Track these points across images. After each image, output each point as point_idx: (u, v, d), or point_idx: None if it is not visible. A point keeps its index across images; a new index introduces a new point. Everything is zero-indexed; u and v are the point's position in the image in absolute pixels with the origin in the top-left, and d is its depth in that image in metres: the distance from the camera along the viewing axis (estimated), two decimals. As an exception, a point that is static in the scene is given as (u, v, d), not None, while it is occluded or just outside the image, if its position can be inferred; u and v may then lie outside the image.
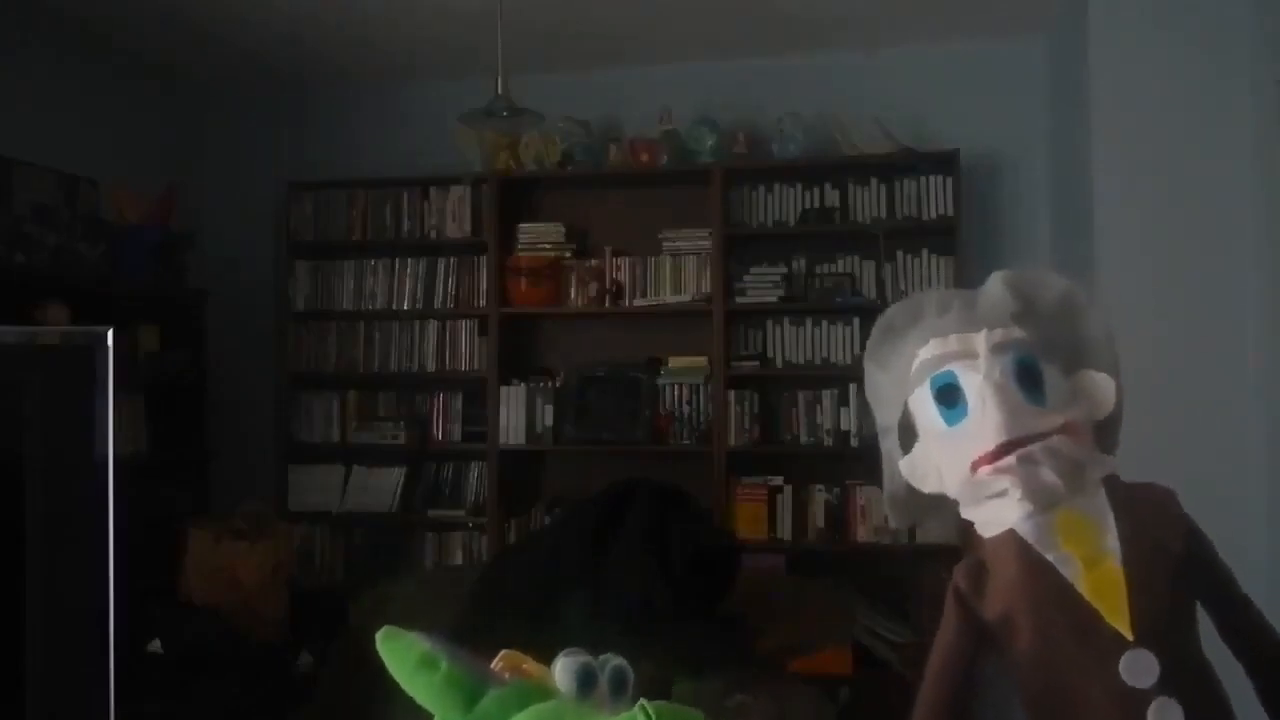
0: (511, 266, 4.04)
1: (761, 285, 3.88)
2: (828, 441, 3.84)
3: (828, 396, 3.85)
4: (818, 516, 3.83)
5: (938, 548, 3.71)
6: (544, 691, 1.02)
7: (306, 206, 4.25)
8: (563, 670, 1.03)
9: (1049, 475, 1.34)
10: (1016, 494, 1.35)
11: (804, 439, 3.87)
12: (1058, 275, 1.56)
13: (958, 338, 1.44)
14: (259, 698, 3.02)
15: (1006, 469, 1.35)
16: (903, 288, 3.81)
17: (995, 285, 1.52)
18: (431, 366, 4.17)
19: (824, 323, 3.88)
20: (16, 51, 3.58)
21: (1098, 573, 1.32)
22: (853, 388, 3.82)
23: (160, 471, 3.76)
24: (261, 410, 4.39)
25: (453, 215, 4.15)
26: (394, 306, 4.20)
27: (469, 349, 4.14)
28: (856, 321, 3.86)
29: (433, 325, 4.18)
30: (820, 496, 3.84)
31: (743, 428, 3.88)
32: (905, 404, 1.50)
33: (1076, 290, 1.53)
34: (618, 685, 1.05)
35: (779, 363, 3.91)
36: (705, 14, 3.69)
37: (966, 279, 3.73)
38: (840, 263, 3.90)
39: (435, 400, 4.22)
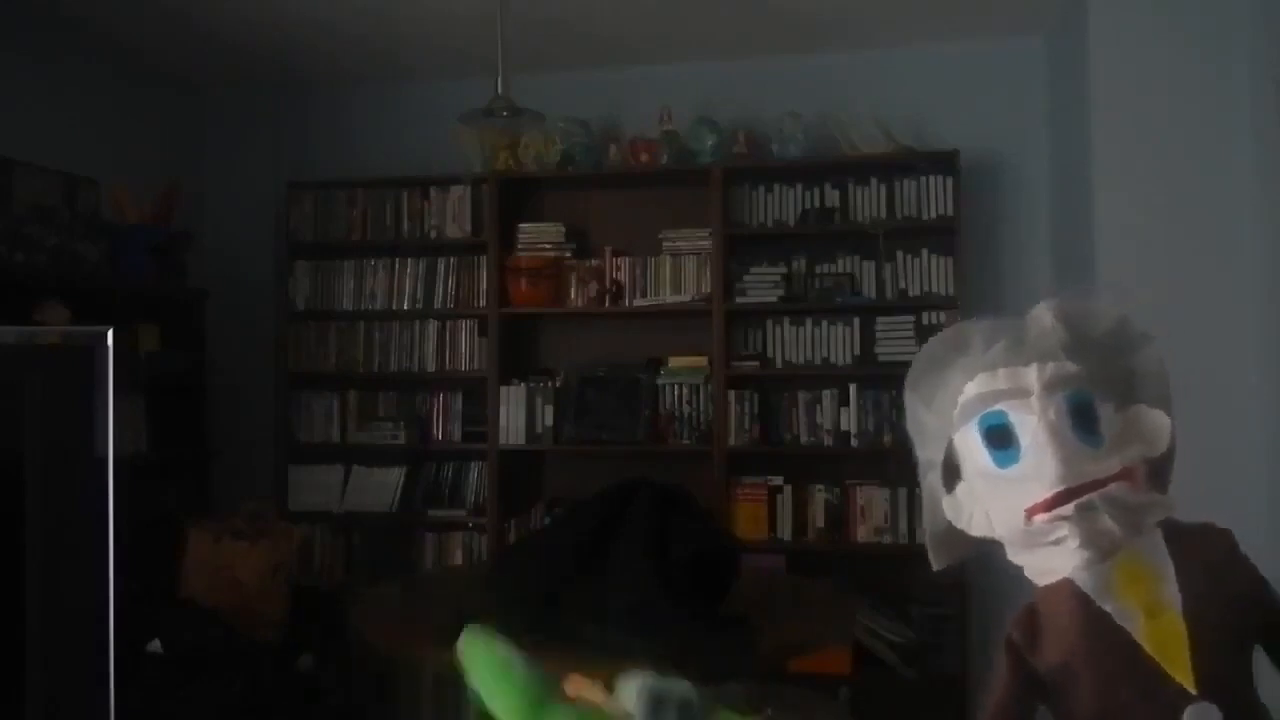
0: (511, 266, 4.04)
1: (761, 285, 3.88)
2: (828, 441, 3.84)
3: (828, 396, 3.85)
4: (818, 516, 3.83)
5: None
6: (606, 715, 1.01)
7: (306, 206, 4.25)
8: (635, 695, 1.02)
9: (1108, 524, 1.29)
10: (1074, 543, 1.30)
11: (804, 439, 3.87)
12: (1108, 304, 1.47)
13: (1007, 373, 1.36)
14: (259, 698, 3.02)
15: (1066, 518, 1.29)
16: (902, 287, 3.82)
17: (1043, 315, 1.42)
18: (431, 366, 4.17)
19: (824, 323, 3.88)
20: (17, 51, 3.58)
21: (1159, 624, 1.27)
22: (853, 388, 3.82)
23: (160, 471, 3.76)
24: (261, 410, 4.39)
25: (453, 215, 4.15)
26: (394, 306, 4.20)
27: (469, 349, 4.14)
28: (856, 321, 3.85)
29: (433, 325, 4.18)
30: (820, 496, 3.84)
31: (743, 428, 3.88)
32: (950, 440, 1.43)
33: (1130, 320, 1.45)
34: (685, 714, 1.04)
35: (779, 363, 3.91)
36: (705, 14, 3.69)
37: (966, 279, 3.74)
38: (840, 263, 3.90)
39: (435, 400, 4.22)
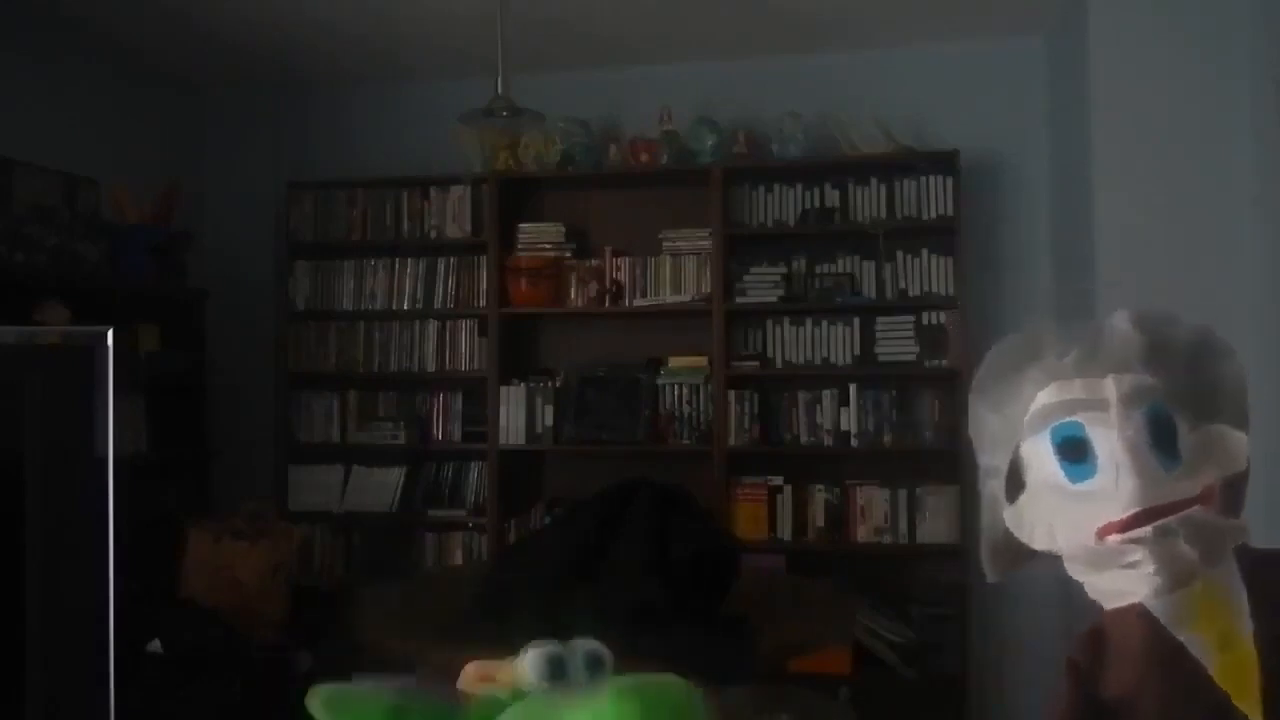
0: (511, 266, 4.04)
1: (761, 285, 3.88)
2: (828, 441, 3.84)
3: (828, 396, 3.85)
4: (818, 516, 3.83)
5: (937, 547, 3.72)
6: (513, 695, 1.00)
7: (306, 206, 4.25)
8: (529, 664, 1.01)
9: (1186, 549, 1.23)
10: (1149, 568, 1.24)
11: (804, 439, 3.87)
12: (1185, 317, 1.41)
13: (1083, 383, 1.30)
14: (259, 698, 3.02)
15: (1141, 540, 1.23)
16: (902, 287, 3.81)
17: (1122, 323, 1.35)
18: (431, 366, 4.17)
19: (824, 323, 3.88)
20: (17, 51, 3.58)
21: (1231, 656, 1.23)
22: (853, 388, 3.82)
23: (160, 471, 3.76)
24: (261, 410, 4.39)
25: (453, 215, 4.15)
26: (394, 306, 4.20)
27: (469, 349, 4.14)
28: (856, 321, 3.85)
29: (433, 325, 4.18)
30: (820, 496, 3.84)
31: (743, 428, 3.87)
32: (1017, 449, 1.37)
33: (1213, 332, 1.40)
34: (594, 667, 1.03)
35: (779, 363, 3.91)
36: (705, 14, 3.69)
37: (966, 279, 3.74)
38: (840, 263, 3.90)
39: (435, 400, 4.22)
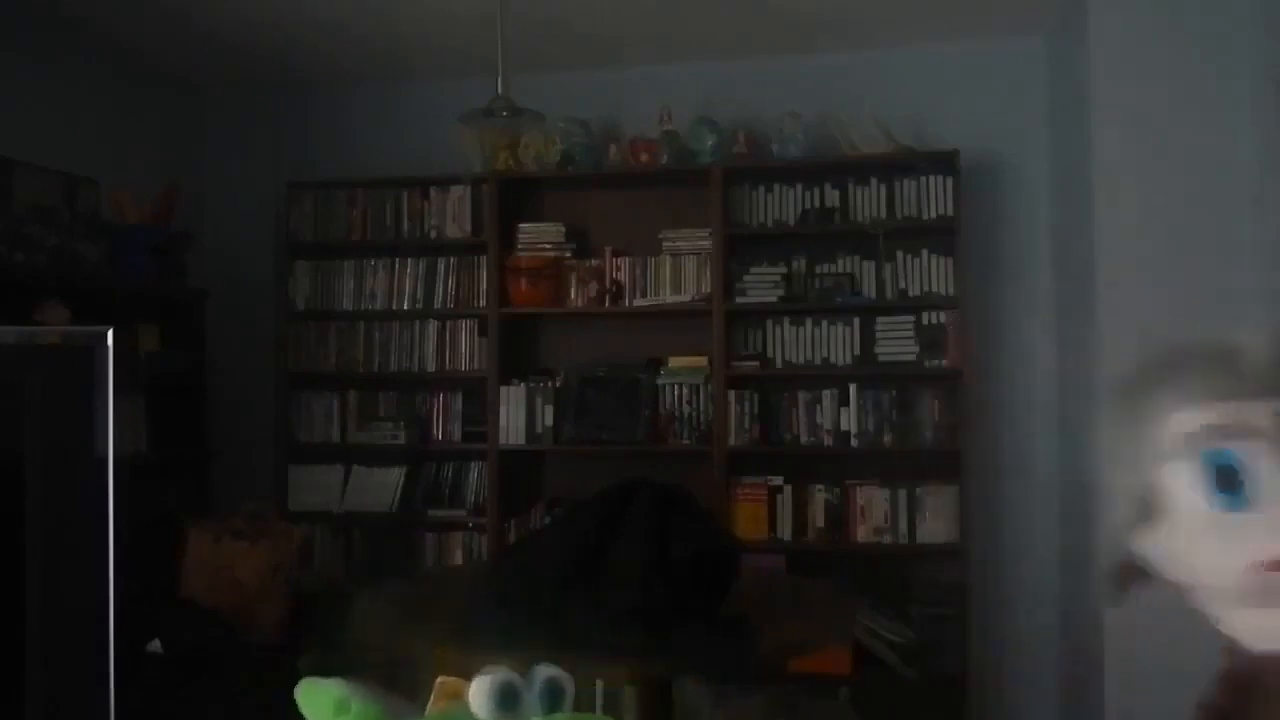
0: (511, 266, 4.04)
1: (761, 285, 3.88)
2: (828, 441, 3.84)
3: (828, 396, 3.85)
4: (818, 516, 3.83)
5: (937, 547, 3.72)
6: (463, 717, 1.00)
7: (306, 206, 4.24)
8: (476, 692, 0.99)
9: None
10: None
11: (804, 439, 3.87)
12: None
13: (1235, 407, 1.23)
14: (259, 698, 3.02)
15: None
16: (902, 287, 3.81)
17: (1270, 344, 1.29)
18: (431, 366, 4.17)
19: (824, 323, 3.88)
20: (17, 51, 3.58)
21: None
22: (853, 388, 3.82)
23: (160, 471, 3.76)
24: (261, 410, 4.39)
25: (453, 215, 4.15)
26: (394, 306, 4.20)
27: (469, 349, 4.14)
28: (856, 321, 3.85)
29: (433, 325, 4.18)
30: (820, 496, 3.84)
31: (743, 428, 3.87)
32: (1154, 472, 1.30)
33: None
34: (552, 698, 1.01)
35: (779, 363, 3.91)
36: (705, 14, 3.69)
37: (966, 279, 3.74)
38: (840, 263, 3.90)
39: (435, 400, 4.22)
